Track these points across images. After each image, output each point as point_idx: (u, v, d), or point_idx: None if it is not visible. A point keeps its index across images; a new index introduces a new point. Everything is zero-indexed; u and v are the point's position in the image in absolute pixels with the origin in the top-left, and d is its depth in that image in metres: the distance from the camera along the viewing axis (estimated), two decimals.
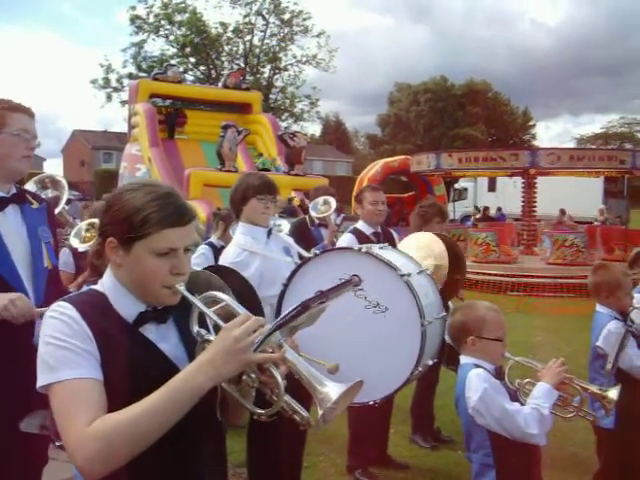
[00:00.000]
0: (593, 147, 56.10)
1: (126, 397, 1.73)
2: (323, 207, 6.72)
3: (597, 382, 4.05)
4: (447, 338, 3.64)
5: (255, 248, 4.08)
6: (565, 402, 3.05)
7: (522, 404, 2.99)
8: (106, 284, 1.95)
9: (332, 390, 1.74)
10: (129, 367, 1.81)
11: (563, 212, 26.01)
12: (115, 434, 1.66)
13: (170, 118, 26.88)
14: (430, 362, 3.82)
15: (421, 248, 4.61)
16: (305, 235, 6.75)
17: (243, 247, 4.07)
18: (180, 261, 1.89)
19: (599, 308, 4.24)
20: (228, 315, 1.85)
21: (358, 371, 3.55)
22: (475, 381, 2.98)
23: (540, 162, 16.55)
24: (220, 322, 1.82)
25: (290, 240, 4.45)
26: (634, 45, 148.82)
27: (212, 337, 1.82)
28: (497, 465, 2.99)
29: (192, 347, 1.90)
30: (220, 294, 1.91)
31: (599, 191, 34.45)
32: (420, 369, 3.62)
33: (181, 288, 1.87)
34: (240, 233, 4.21)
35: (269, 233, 4.25)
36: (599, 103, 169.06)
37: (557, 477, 5.17)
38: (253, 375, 1.79)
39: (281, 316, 1.79)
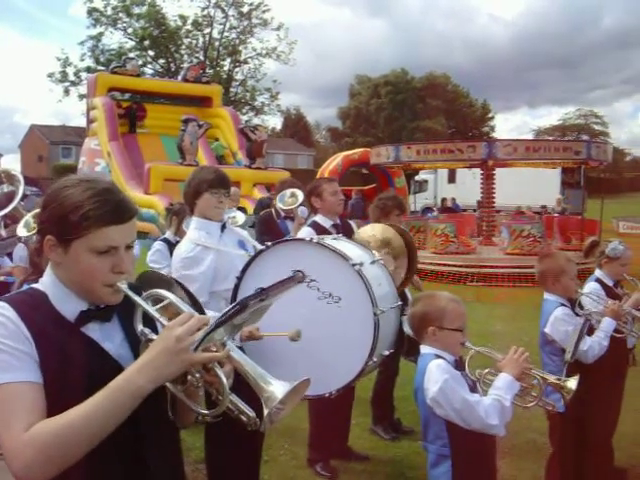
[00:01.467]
0: (549, 138, 56.94)
1: (68, 399, 1.68)
2: (290, 199, 6.71)
3: (549, 366, 4.13)
4: (407, 329, 3.64)
5: (209, 243, 4.03)
6: (525, 392, 3.06)
7: (483, 394, 3.01)
8: (46, 282, 1.88)
9: (278, 389, 1.71)
10: (71, 368, 1.75)
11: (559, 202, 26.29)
12: (53, 439, 1.61)
13: (130, 112, 26.66)
14: (386, 352, 3.80)
15: (376, 238, 4.62)
16: (271, 227, 6.73)
17: (196, 242, 4.02)
18: (121, 259, 1.84)
19: (546, 295, 4.31)
20: (177, 314, 1.81)
21: (313, 363, 3.60)
22: (435, 372, 2.98)
23: (497, 154, 16.70)
24: (163, 321, 1.79)
25: (245, 233, 4.42)
26: (589, 38, 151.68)
27: (155, 336, 1.78)
28: (453, 456, 3.00)
29: (138, 346, 1.85)
30: (163, 292, 1.87)
31: (557, 182, 34.98)
32: (375, 359, 3.61)
33: (123, 286, 1.82)
34: (193, 228, 4.16)
35: (223, 227, 4.21)
36: (556, 95, 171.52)
37: (516, 464, 5.25)
38: (197, 375, 1.75)
39: (220, 314, 1.74)
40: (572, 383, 3.08)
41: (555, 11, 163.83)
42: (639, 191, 67.03)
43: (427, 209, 33.47)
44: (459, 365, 3.11)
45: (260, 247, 3.88)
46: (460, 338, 3.09)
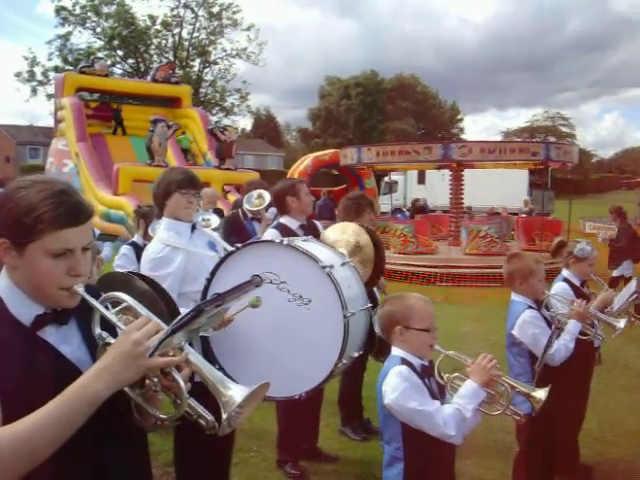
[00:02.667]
0: (505, 140, 57.58)
1: (25, 405, 1.64)
2: (257, 200, 6.69)
3: (515, 368, 4.17)
4: (378, 330, 3.66)
5: (178, 243, 4.01)
6: (493, 399, 3.01)
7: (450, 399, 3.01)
8: (1, 286, 1.83)
9: (236, 393, 1.70)
10: (28, 373, 1.72)
11: (526, 203, 26.50)
12: (9, 447, 1.57)
13: (116, 114, 26.55)
14: (356, 354, 3.81)
15: (350, 243, 4.62)
16: (238, 229, 6.71)
17: (166, 242, 3.99)
18: (77, 262, 1.80)
19: (514, 296, 4.33)
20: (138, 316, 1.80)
21: (283, 365, 3.60)
22: (395, 379, 2.97)
23: (452, 155, 17.00)
24: (120, 325, 1.77)
25: (215, 235, 4.39)
26: (557, 41, 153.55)
27: (113, 340, 1.76)
28: (406, 459, 3.00)
29: (96, 349, 1.83)
30: (121, 295, 1.85)
31: (524, 183, 35.33)
32: (345, 361, 3.61)
33: (79, 289, 1.79)
34: (163, 229, 4.13)
35: (193, 228, 4.20)
36: (524, 97, 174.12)
37: (483, 463, 5.29)
38: (155, 379, 1.74)
39: (176, 319, 1.73)
40: (541, 393, 3.07)
41: (523, 15, 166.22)
42: (605, 192, 68.12)
43: (397, 210, 33.61)
44: (427, 370, 3.09)
45: (230, 248, 3.87)
46: (428, 340, 3.08)
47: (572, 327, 4.29)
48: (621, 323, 4.58)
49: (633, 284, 4.80)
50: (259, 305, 3.37)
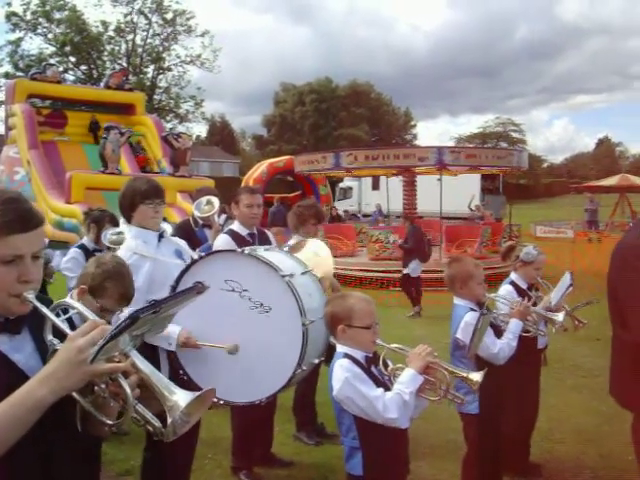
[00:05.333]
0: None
1: None
2: (206, 207, 6.68)
3: None
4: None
5: (145, 251, 4.09)
6: (433, 386, 3.15)
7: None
8: None
9: (181, 398, 1.73)
10: None
11: (478, 208, 26.79)
12: None
13: (92, 124, 26.18)
14: (316, 361, 3.92)
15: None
16: (189, 236, 6.70)
17: (134, 250, 4.07)
18: (27, 268, 1.80)
19: (456, 300, 4.42)
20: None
21: (245, 371, 3.69)
22: (337, 371, 3.11)
23: (342, 163, 18.24)
24: (68, 331, 1.78)
25: (183, 243, 4.45)
26: (506, 48, 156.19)
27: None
28: (363, 447, 3.12)
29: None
30: (71, 301, 1.87)
31: (476, 188, 35.75)
32: (304, 368, 3.70)
33: (30, 296, 1.80)
34: (131, 237, 4.22)
35: (160, 236, 4.26)
36: (475, 104, 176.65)
37: (436, 464, 5.38)
38: (103, 386, 1.75)
39: (114, 327, 1.73)
40: (476, 376, 3.17)
41: (473, 22, 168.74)
42: (555, 196, 69.38)
43: (353, 215, 33.77)
44: (371, 360, 3.21)
45: (196, 257, 3.94)
46: (370, 336, 3.19)
47: (513, 326, 4.41)
48: (560, 317, 4.72)
49: (567, 277, 4.92)
50: (235, 354, 3.46)
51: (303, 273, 4.00)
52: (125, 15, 55.31)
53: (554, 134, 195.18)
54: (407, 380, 3.07)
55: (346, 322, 3.19)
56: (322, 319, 3.80)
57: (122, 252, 4.12)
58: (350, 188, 38.90)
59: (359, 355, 3.18)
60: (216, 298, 3.58)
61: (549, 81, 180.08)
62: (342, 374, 3.07)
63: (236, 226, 5.44)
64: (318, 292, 4.04)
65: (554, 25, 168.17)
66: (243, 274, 3.73)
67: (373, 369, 3.20)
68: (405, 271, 13.05)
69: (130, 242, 4.18)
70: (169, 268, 4.08)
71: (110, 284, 3.32)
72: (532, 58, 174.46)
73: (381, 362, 3.23)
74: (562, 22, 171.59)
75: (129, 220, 4.26)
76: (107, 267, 3.37)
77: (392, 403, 3.01)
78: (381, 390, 3.07)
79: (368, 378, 3.11)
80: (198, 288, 1.93)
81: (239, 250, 3.96)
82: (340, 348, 3.23)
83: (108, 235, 5.72)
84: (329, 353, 4.09)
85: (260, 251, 3.93)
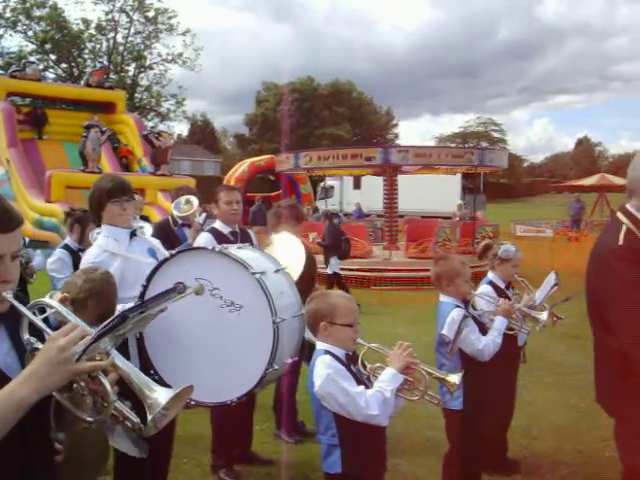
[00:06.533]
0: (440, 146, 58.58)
1: None
2: (185, 206, 6.66)
3: (445, 367, 4.28)
4: (308, 335, 3.74)
5: (116, 249, 4.08)
6: (412, 386, 3.19)
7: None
8: None
9: (161, 395, 1.76)
10: None
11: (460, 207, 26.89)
12: None
13: (35, 117, 25.84)
14: (289, 360, 3.87)
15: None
16: (169, 235, 6.69)
17: (104, 248, 4.07)
18: (5, 268, 1.80)
19: (442, 297, 4.46)
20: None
21: (216, 370, 3.64)
22: (319, 367, 3.13)
23: (300, 164, 18.52)
24: (48, 330, 1.80)
25: (156, 242, 4.43)
26: (487, 48, 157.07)
27: (41, 345, 1.79)
28: (342, 445, 3.14)
29: (25, 354, 1.85)
30: (49, 300, 1.88)
31: (457, 187, 35.96)
32: (276, 367, 3.65)
33: (8, 296, 1.81)
34: (103, 235, 4.21)
35: (133, 234, 4.24)
36: (456, 103, 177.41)
37: (416, 461, 5.41)
38: (82, 383, 1.77)
39: (101, 326, 1.77)
40: (454, 378, 3.22)
41: (453, 22, 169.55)
42: (535, 195, 69.91)
43: (334, 214, 33.77)
44: (351, 359, 3.24)
45: (167, 255, 3.92)
46: (351, 334, 3.22)
47: (498, 323, 4.46)
48: (543, 315, 4.80)
49: (552, 277, 4.98)
50: (201, 293, 3.41)
51: (276, 271, 3.99)
52: (106, 13, 54.94)
53: (534, 134, 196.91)
54: (387, 379, 3.10)
55: (328, 319, 3.21)
56: (295, 317, 3.82)
57: (93, 250, 4.12)
58: (332, 187, 38.91)
59: (340, 353, 3.20)
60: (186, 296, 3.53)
61: (529, 81, 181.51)
62: (324, 370, 3.09)
63: (218, 224, 5.46)
64: (291, 290, 4.01)
65: (534, 26, 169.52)
66: (214, 272, 3.68)
67: (352, 367, 3.22)
68: (328, 271, 13.36)
69: (101, 240, 4.17)
70: (140, 266, 4.06)
71: (92, 302, 3.34)
72: (513, 58, 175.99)
73: (360, 362, 3.26)
74: (542, 23, 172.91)
75: (99, 220, 4.26)
76: (94, 284, 3.39)
77: (373, 400, 3.03)
78: (362, 387, 3.10)
79: (350, 375, 3.14)
80: (179, 289, 1.96)
81: (210, 248, 3.95)
82: (320, 345, 3.25)
83: (94, 234, 5.69)
84: (309, 352, 4.10)
85: (232, 249, 3.89)
